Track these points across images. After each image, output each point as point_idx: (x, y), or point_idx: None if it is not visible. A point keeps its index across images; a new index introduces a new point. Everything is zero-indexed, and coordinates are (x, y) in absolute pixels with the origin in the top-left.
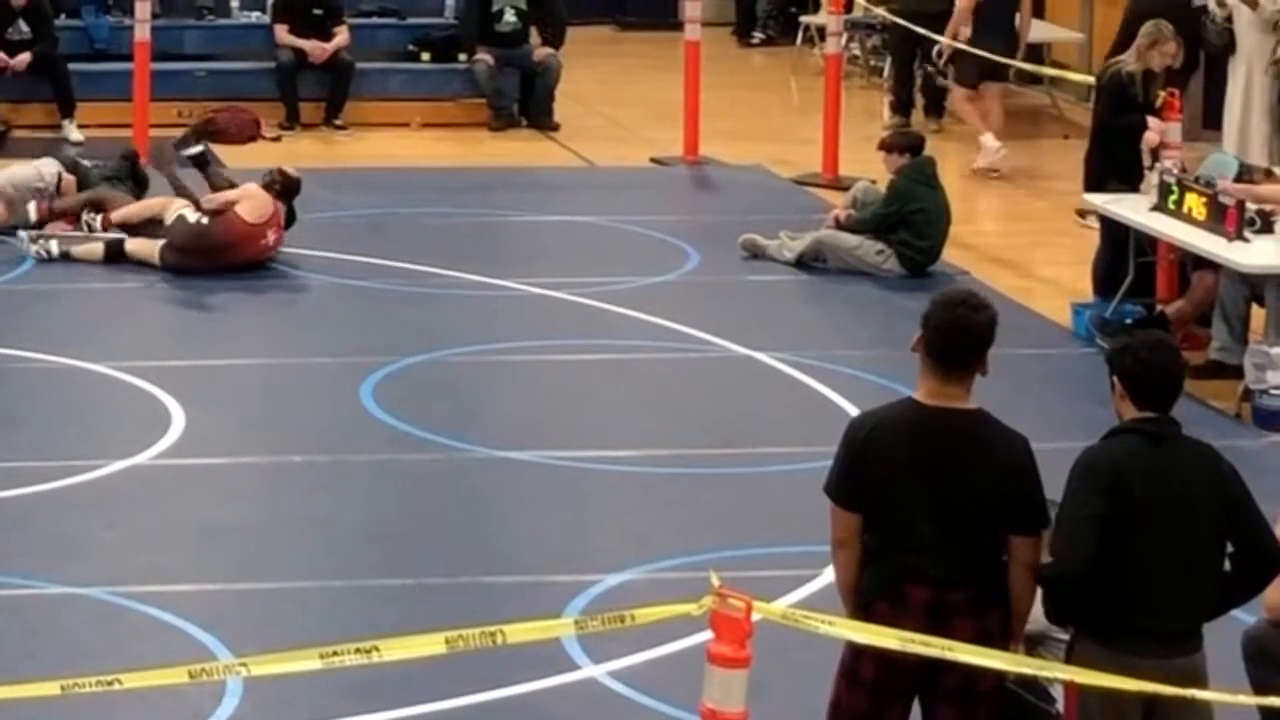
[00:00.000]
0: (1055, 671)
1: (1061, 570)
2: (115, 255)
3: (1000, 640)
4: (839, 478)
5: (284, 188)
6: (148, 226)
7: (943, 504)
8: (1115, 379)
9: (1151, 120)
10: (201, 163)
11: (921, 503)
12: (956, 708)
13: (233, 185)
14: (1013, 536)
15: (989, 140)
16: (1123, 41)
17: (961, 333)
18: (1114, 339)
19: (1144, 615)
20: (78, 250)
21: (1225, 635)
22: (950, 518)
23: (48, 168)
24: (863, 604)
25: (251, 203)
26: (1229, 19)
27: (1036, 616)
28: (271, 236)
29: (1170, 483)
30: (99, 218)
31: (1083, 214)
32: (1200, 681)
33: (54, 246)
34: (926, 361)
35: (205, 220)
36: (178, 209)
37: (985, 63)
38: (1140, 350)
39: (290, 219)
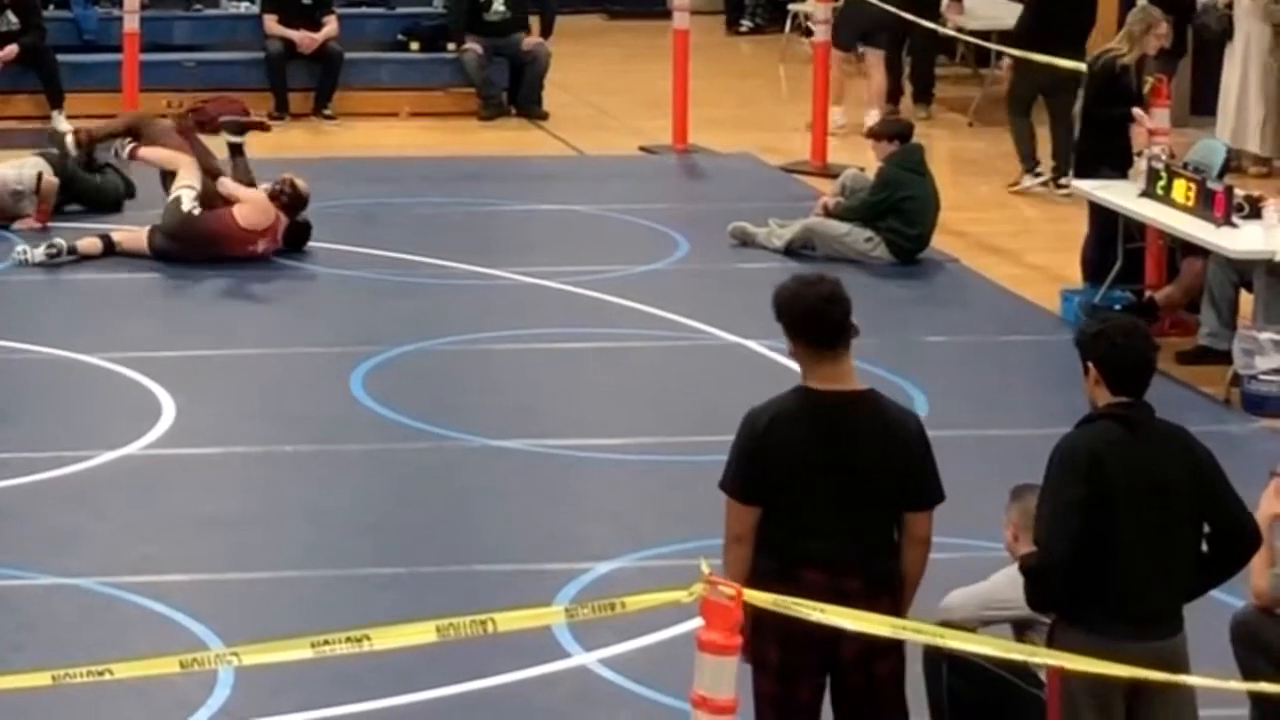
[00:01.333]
0: (1044, 657)
1: (1045, 560)
2: (109, 249)
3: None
4: (739, 473)
5: (291, 200)
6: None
7: (843, 488)
8: (1090, 365)
9: (1137, 113)
10: (236, 151)
11: (822, 489)
12: (862, 674)
13: (251, 183)
14: (908, 514)
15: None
16: (1033, 28)
17: (817, 313)
18: (1086, 325)
19: (1124, 599)
20: (81, 245)
21: (1213, 620)
22: (849, 501)
23: (28, 170)
24: (759, 589)
25: (250, 209)
26: (1229, 5)
27: (1022, 602)
28: (262, 245)
29: (1147, 467)
30: (128, 146)
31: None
32: (1181, 664)
33: (62, 243)
34: (803, 355)
35: (197, 211)
36: (178, 188)
37: (861, 27)
38: (1116, 336)
39: (305, 235)
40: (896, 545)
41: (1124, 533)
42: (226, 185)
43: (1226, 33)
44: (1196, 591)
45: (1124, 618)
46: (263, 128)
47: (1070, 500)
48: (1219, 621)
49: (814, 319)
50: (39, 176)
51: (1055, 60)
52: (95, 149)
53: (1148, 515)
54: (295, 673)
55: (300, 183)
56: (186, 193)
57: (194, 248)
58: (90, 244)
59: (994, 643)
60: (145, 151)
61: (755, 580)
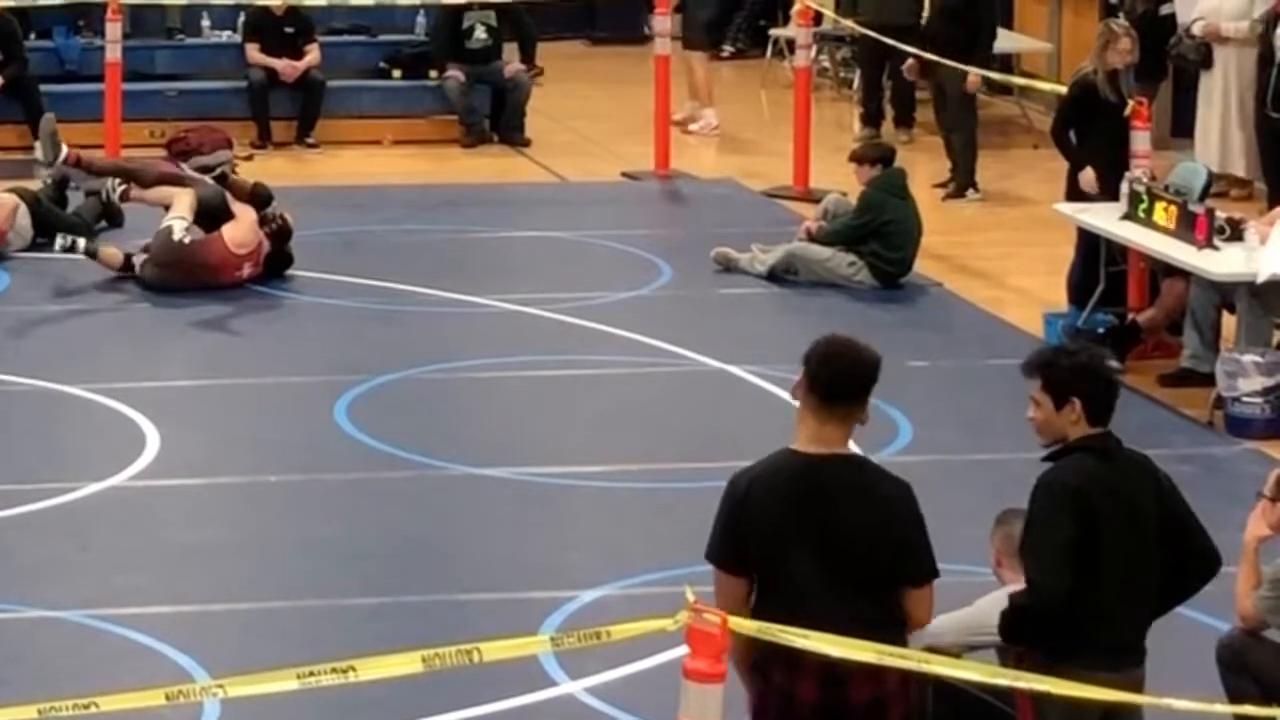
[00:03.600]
0: (1029, 683)
1: (1043, 599)
2: (128, 268)
3: (899, 699)
4: (720, 541)
5: (279, 230)
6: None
7: (831, 560)
8: (1076, 400)
9: (1083, 176)
10: (221, 180)
11: (809, 561)
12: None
13: (256, 195)
14: (906, 590)
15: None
16: (963, 32)
17: (848, 364)
18: (1058, 359)
19: (1102, 630)
20: (103, 252)
21: (1199, 643)
22: (840, 575)
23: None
24: (760, 673)
25: (239, 228)
26: (1205, 39)
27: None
28: (247, 270)
29: (1125, 499)
30: (120, 188)
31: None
32: (1142, 692)
33: (81, 244)
34: (809, 401)
35: (188, 240)
36: (170, 219)
37: (708, 29)
38: (1103, 370)
39: (287, 263)
40: (897, 624)
41: (1104, 565)
42: (234, 203)
43: (1203, 62)
44: (1156, 615)
45: (1100, 649)
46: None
47: (1062, 539)
48: (1205, 644)
49: (826, 369)
50: (16, 207)
51: (1034, 84)
52: (68, 178)
53: (1125, 546)
54: (281, 703)
55: (289, 218)
56: (178, 223)
57: (184, 276)
58: (111, 254)
59: (979, 668)
60: (137, 194)
61: (756, 666)
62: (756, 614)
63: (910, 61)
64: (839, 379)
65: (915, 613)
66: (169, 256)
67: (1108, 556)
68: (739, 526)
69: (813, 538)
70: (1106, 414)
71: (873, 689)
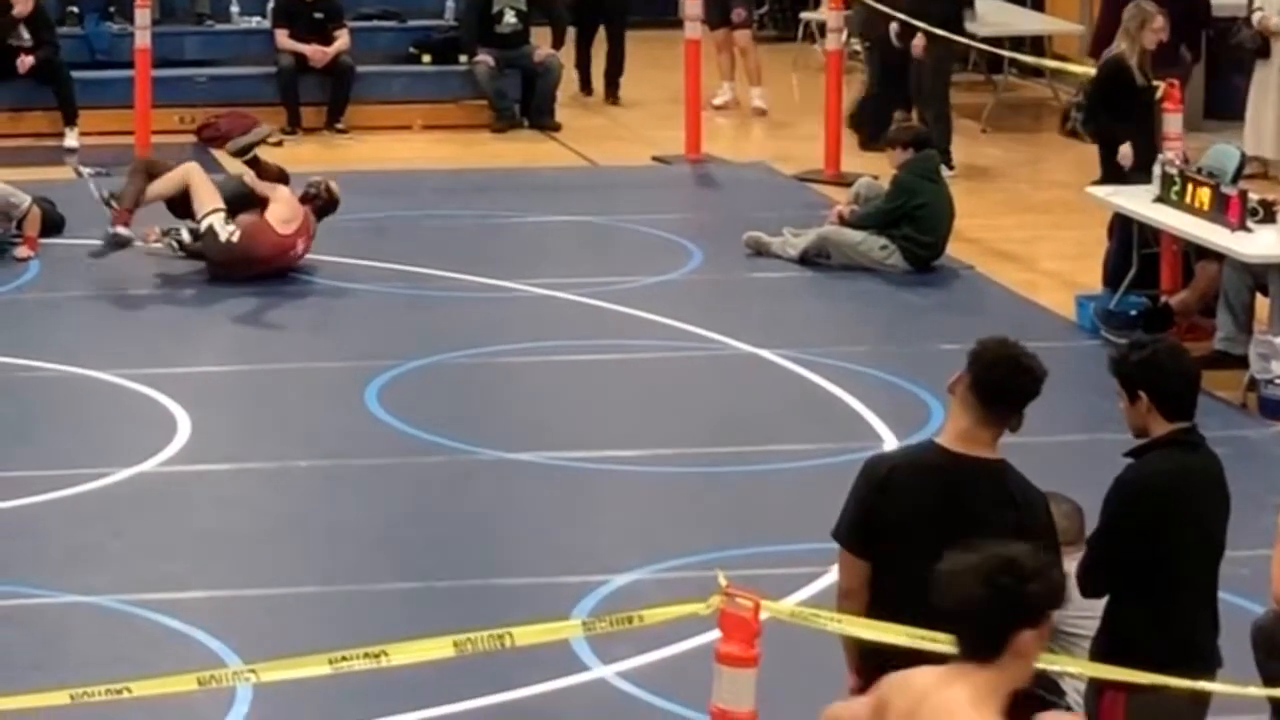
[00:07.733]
0: (1063, 665)
1: (1081, 593)
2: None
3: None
4: (851, 522)
5: (325, 203)
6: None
7: None
8: (1143, 395)
9: (1121, 150)
10: (254, 164)
11: (936, 550)
12: None
13: (283, 176)
14: None
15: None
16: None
17: (1019, 372)
18: (1127, 352)
19: (1167, 628)
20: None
21: (1233, 626)
22: None
23: (22, 198)
24: (877, 664)
25: (281, 207)
26: (1265, 30)
27: None
28: (300, 246)
29: (1196, 494)
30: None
31: None
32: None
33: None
34: (968, 399)
35: (235, 238)
36: (207, 218)
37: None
38: (1170, 364)
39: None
40: None
41: (1170, 563)
42: (258, 185)
43: (1259, 51)
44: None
45: (1167, 646)
46: (265, 142)
47: (1115, 543)
48: (1239, 627)
49: (995, 371)
50: (30, 205)
51: (1066, 66)
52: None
53: (1190, 541)
54: (313, 689)
55: (334, 185)
56: (216, 219)
57: (244, 270)
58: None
59: None
60: (152, 193)
61: (873, 655)
62: (874, 597)
63: (917, 39)
64: (1006, 386)
65: None
66: (219, 255)
67: (1172, 553)
68: (872, 509)
69: (943, 534)
70: (1181, 408)
71: None
